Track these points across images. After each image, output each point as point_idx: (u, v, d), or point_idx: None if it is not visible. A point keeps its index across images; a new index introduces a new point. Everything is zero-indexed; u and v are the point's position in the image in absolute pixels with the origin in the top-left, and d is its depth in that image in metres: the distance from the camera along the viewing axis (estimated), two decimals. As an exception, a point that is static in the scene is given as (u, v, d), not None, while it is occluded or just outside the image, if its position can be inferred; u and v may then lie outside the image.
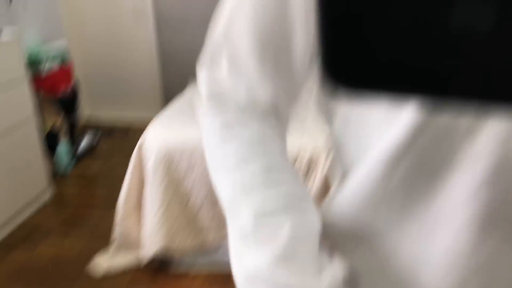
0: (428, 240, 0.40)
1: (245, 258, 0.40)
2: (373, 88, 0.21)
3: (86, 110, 3.79)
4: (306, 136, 1.84)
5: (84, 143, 3.19)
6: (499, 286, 0.39)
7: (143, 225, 2.02)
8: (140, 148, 1.94)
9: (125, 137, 3.50)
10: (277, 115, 0.49)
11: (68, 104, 3.05)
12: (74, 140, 3.15)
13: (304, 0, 0.43)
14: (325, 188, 1.73)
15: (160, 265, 2.06)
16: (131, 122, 3.72)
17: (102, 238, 2.29)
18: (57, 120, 2.99)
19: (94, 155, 3.22)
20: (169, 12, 3.38)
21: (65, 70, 2.99)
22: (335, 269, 0.40)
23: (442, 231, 0.39)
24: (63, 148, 2.88)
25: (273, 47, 0.46)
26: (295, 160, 1.76)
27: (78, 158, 3.08)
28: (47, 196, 2.60)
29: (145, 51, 3.59)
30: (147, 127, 2.01)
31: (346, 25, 0.19)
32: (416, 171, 0.39)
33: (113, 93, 3.78)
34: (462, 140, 0.35)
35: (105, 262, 2.07)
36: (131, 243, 2.05)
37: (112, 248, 2.07)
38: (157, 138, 1.91)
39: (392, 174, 0.40)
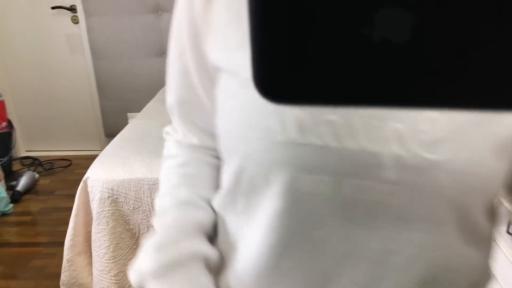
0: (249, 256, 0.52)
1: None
2: (297, 101, 0.22)
3: (24, 147, 3.65)
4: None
5: (23, 181, 3.06)
6: None
7: (93, 267, 1.97)
8: (84, 185, 1.90)
9: (66, 172, 3.40)
10: (211, 153, 0.63)
11: (1, 143, 2.93)
12: (12, 179, 3.02)
13: (200, 73, 0.56)
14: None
15: (113, 305, 2.01)
16: (72, 156, 3.61)
17: (51, 278, 2.22)
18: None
19: (35, 193, 3.09)
20: (103, 43, 3.33)
21: (-3, 108, 2.88)
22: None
23: (251, 252, 0.51)
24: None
25: (187, 109, 0.61)
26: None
27: (18, 197, 2.95)
28: (-14, 241, 2.48)
29: (82, 85, 3.51)
30: (91, 164, 1.97)
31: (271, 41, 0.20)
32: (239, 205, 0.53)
33: (50, 128, 3.65)
34: (263, 186, 0.47)
35: (54, 308, 1.99)
36: (81, 286, 1.99)
37: (61, 292, 1.99)
38: (102, 175, 1.88)
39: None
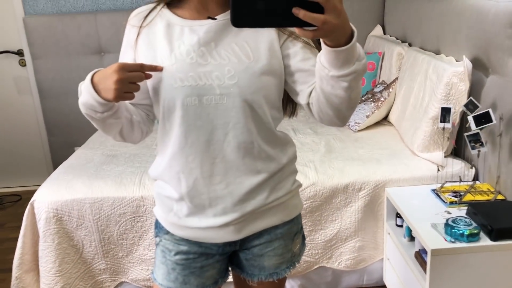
0: None
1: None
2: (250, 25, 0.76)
3: (-27, 184, 3.77)
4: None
5: (-27, 216, 3.19)
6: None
7: (40, 283, 2.16)
8: (31, 208, 2.11)
9: (16, 206, 3.55)
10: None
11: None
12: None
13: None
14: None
15: (60, 317, 2.19)
16: (21, 191, 3.78)
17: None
18: None
19: (-16, 227, 3.23)
20: (50, 84, 3.57)
21: None
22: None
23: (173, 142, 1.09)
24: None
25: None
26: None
27: (-33, 232, 3.07)
28: None
29: (30, 123, 3.72)
30: (38, 188, 2.18)
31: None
32: None
33: (0, 165, 3.82)
34: (172, 106, 1.05)
35: (4, 322, 2.15)
36: (30, 301, 2.17)
37: (10, 308, 2.16)
38: (47, 197, 2.10)
39: None
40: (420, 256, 1.78)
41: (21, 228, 2.12)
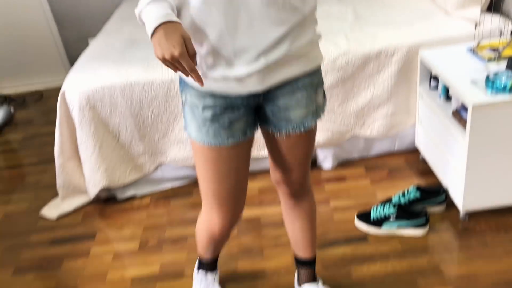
0: None
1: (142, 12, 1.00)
2: None
3: (-8, 85, 3.76)
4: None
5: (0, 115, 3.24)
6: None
7: (83, 168, 2.23)
8: (62, 98, 2.11)
9: (40, 103, 3.57)
10: None
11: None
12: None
13: None
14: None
15: (107, 199, 2.31)
16: (42, 89, 3.77)
17: (47, 188, 2.46)
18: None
19: (13, 125, 3.28)
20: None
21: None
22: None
23: None
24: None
25: None
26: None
27: (-3, 132, 3.13)
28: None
29: (38, 16, 3.58)
30: (65, 78, 2.16)
31: None
32: None
33: (16, 65, 3.76)
34: None
35: (56, 207, 2.28)
36: (76, 186, 2.27)
37: (59, 194, 2.27)
38: (77, 86, 2.09)
39: None
40: (458, 114, 1.79)
41: (57, 118, 2.14)
